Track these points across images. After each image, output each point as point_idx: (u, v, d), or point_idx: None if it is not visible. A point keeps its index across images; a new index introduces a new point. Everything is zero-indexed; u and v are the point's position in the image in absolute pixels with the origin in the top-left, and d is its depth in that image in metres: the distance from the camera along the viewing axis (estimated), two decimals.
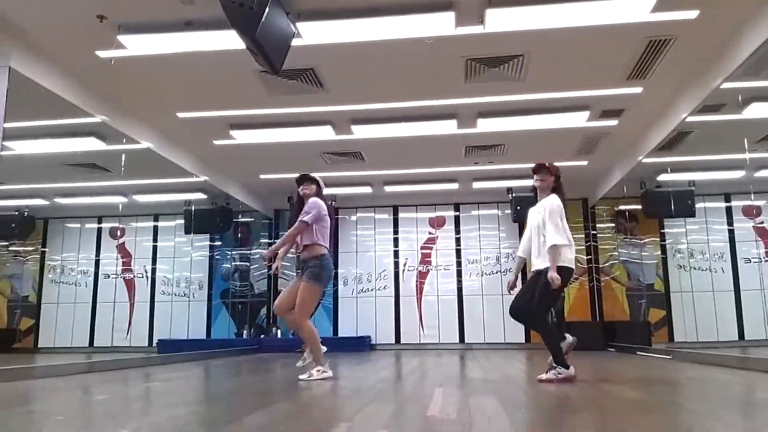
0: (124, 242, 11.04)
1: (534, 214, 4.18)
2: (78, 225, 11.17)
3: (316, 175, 4.73)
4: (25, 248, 11.17)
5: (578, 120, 6.51)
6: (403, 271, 10.41)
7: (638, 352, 7.64)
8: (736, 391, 3.60)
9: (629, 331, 9.17)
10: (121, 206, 10.34)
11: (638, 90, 5.85)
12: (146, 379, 4.83)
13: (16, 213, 10.23)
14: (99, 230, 11.14)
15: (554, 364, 3.93)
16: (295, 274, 4.69)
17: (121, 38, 4.54)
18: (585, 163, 8.37)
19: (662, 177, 8.88)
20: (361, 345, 9.66)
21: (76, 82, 5.32)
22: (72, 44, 4.78)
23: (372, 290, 10.39)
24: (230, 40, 4.33)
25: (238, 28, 3.82)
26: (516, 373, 4.81)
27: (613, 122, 6.74)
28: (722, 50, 4.98)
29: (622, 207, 10.10)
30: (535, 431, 2.17)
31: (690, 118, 6.14)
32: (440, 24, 4.41)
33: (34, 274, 11.20)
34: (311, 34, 4.54)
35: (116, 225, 11.06)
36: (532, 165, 4.25)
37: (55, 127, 6.34)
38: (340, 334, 10.28)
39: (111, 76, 5.32)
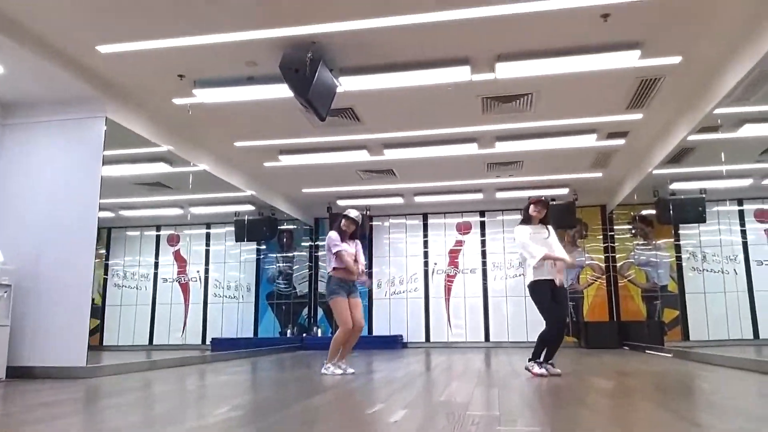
0: (179, 249, 12.17)
1: (541, 237, 5.08)
2: (138, 233, 12.35)
3: (354, 215, 5.54)
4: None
5: (587, 141, 7.27)
6: (433, 273, 11.28)
7: (646, 351, 8.35)
8: (672, 379, 4.38)
9: (643, 330, 9.86)
10: (178, 217, 11.46)
11: (639, 116, 6.59)
12: (216, 373, 5.82)
13: None
14: (157, 238, 12.29)
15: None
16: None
17: (196, 91, 5.53)
18: (600, 174, 9.09)
19: (674, 185, 9.52)
20: (393, 343, 10.58)
21: (154, 122, 6.35)
22: (155, 96, 5.81)
23: (404, 292, 11.29)
24: (283, 90, 5.25)
25: (293, 90, 4.75)
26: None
27: (621, 141, 7.47)
28: (709, 83, 5.69)
29: (637, 213, 10.75)
30: (517, 408, 3.03)
31: (691, 137, 6.84)
32: (458, 74, 5.26)
33: (98, 278, 12.42)
34: (351, 84, 5.45)
35: (173, 232, 12.21)
36: (537, 195, 5.23)
37: (132, 155, 7.40)
38: (374, 333, 11.21)
39: (182, 116, 6.33)
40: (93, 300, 12.54)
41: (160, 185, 9.13)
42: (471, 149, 7.50)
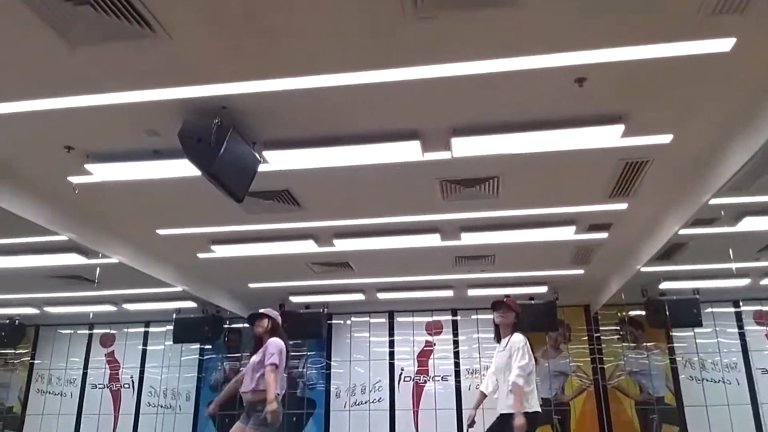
0: (113, 350, 10.77)
1: (499, 354, 4.13)
2: (69, 331, 10.97)
3: (265, 310, 4.77)
4: (15, 356, 10.93)
5: (565, 234, 6.33)
6: (400, 380, 9.95)
7: None
8: None
9: None
10: (112, 314, 10.18)
11: (623, 206, 5.70)
12: None
13: (7, 321, 10.08)
14: (90, 337, 10.91)
15: None
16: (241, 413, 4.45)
17: (90, 167, 4.54)
18: (581, 271, 8.11)
19: (664, 285, 8.54)
20: None
21: (48, 206, 5.30)
22: (44, 173, 4.81)
23: (366, 402, 9.89)
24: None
25: (194, 163, 3.78)
26: None
27: (603, 235, 6.55)
28: (704, 169, 4.85)
29: (625, 314, 9.72)
30: None
31: (683, 231, 5.94)
32: (407, 151, 4.36)
33: (21, 383, 10.88)
34: (278, 161, 4.51)
35: (107, 331, 10.84)
36: (498, 296, 4.26)
37: (34, 244, 6.31)
38: None
39: (85, 199, 5.31)
40: (11, 408, 11.00)
41: (81, 278, 7.95)
42: (434, 240, 6.51)
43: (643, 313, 9.20)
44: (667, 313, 8.69)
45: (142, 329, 10.73)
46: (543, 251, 7.11)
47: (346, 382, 10.06)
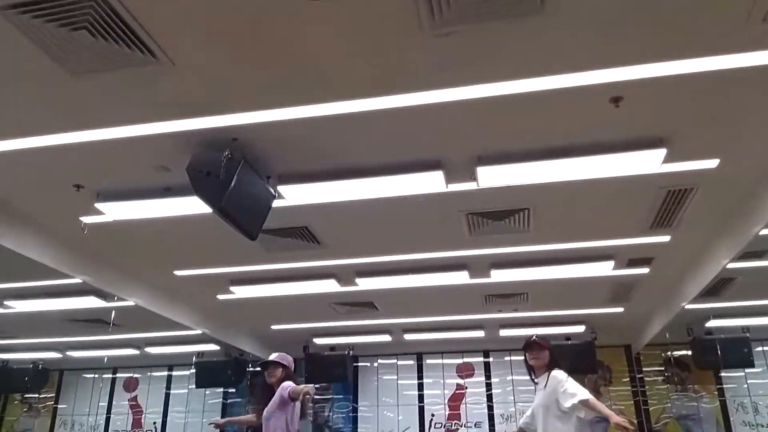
0: (136, 395, 10.53)
1: (540, 392, 3.84)
2: (92, 376, 10.79)
3: (277, 357, 4.46)
4: (38, 401, 10.77)
5: (603, 269, 5.93)
6: (430, 427, 9.44)
7: None
8: None
9: None
10: (135, 358, 9.98)
11: (665, 239, 5.30)
12: None
13: (31, 366, 9.95)
14: (113, 381, 10.71)
15: None
16: None
17: (100, 206, 4.38)
18: (621, 309, 7.63)
19: (712, 323, 7.97)
20: None
21: (62, 247, 5.16)
22: (53, 213, 4.67)
23: None
24: None
25: (204, 198, 3.57)
26: None
27: (644, 270, 6.12)
28: (755, 197, 4.45)
29: (670, 354, 9.11)
30: None
31: (731, 265, 5.49)
32: (429, 182, 4.08)
33: (45, 429, 10.68)
34: (295, 196, 4.28)
35: (130, 375, 10.63)
36: (528, 336, 4.00)
37: (50, 287, 6.17)
38: None
39: (98, 240, 5.15)
40: None
41: (102, 321, 7.78)
42: (462, 278, 6.17)
43: (689, 353, 8.59)
44: (715, 353, 8.08)
45: (166, 373, 10.49)
46: (579, 288, 6.69)
47: (374, 427, 9.60)
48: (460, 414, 9.42)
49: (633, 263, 5.90)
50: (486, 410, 9.32)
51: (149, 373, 10.57)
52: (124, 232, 5.07)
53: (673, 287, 6.71)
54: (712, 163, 4.01)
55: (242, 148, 3.64)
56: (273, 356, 4.52)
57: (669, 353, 9.15)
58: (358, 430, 9.63)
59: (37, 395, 10.68)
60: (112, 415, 10.49)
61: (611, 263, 5.76)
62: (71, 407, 10.70)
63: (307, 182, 4.11)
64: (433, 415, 9.49)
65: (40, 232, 4.93)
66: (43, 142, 3.64)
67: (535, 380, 4.13)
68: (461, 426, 9.32)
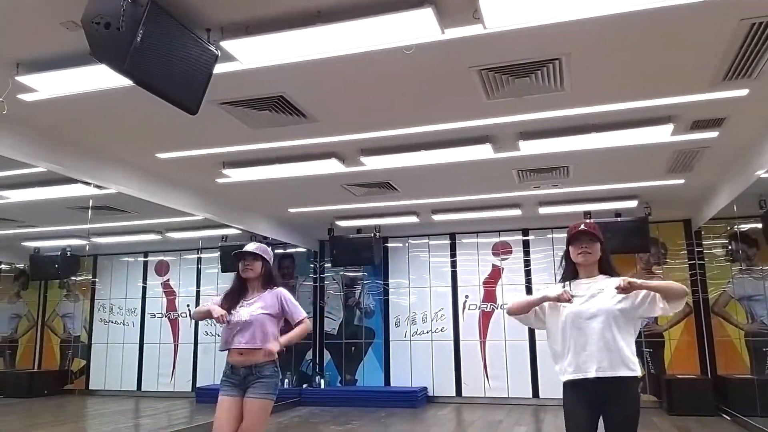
0: (168, 279, 10.47)
1: (579, 301, 2.81)
2: (127, 259, 10.77)
3: (257, 248, 3.68)
4: (76, 286, 10.91)
5: (661, 134, 4.82)
6: (464, 309, 8.96)
7: (751, 421, 5.77)
8: None
9: (750, 391, 7.14)
10: (164, 242, 9.77)
11: (743, 92, 4.10)
12: None
13: (59, 253, 9.90)
14: (145, 265, 10.67)
15: None
16: (231, 384, 3.51)
17: (22, 79, 3.59)
18: (682, 181, 6.54)
19: None
20: (413, 399, 8.34)
21: (14, 132, 4.48)
22: None
23: (428, 332, 9.03)
24: None
25: (104, 61, 2.70)
26: None
27: (712, 134, 4.97)
28: None
29: (737, 228, 8.02)
30: None
31: None
32: (418, 25, 3.04)
33: (85, 313, 10.91)
34: (249, 54, 3.34)
35: (161, 258, 10.52)
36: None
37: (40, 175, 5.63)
38: (392, 383, 9.02)
39: (51, 120, 4.44)
40: (78, 337, 11.13)
41: (111, 209, 7.36)
42: (485, 152, 5.20)
43: (760, 226, 7.49)
44: None
45: (195, 255, 10.29)
46: (631, 158, 5.63)
47: (406, 310, 9.22)
48: (495, 295, 8.84)
49: (698, 126, 4.76)
50: (524, 291, 8.68)
51: (178, 257, 10.43)
52: (77, 111, 4.33)
53: (746, 153, 5.54)
54: None
55: None
56: (252, 247, 3.76)
57: (735, 227, 8.07)
58: (390, 311, 9.28)
59: (74, 279, 10.79)
60: (147, 298, 10.54)
61: (671, 127, 4.64)
62: (108, 291, 10.80)
63: (262, 33, 3.14)
64: (467, 296, 8.96)
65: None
66: None
67: (572, 284, 3.05)
68: (497, 307, 8.77)
